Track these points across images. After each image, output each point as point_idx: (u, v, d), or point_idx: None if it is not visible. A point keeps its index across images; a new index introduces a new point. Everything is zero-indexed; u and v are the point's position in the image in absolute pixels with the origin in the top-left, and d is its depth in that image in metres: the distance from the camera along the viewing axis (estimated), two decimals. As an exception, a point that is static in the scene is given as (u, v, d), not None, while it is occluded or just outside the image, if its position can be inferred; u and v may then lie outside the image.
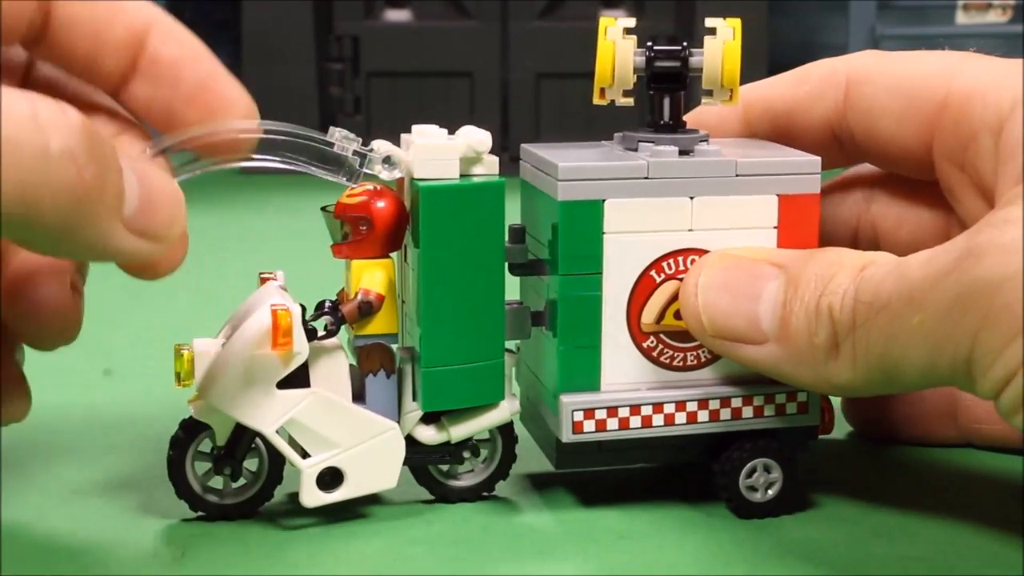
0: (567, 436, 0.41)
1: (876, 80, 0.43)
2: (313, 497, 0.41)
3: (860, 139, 0.44)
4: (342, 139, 0.40)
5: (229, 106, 0.40)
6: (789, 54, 1.25)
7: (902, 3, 1.16)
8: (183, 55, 0.40)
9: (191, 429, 0.41)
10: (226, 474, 0.41)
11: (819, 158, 0.42)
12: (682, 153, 0.41)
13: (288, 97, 1.18)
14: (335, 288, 0.43)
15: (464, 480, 0.43)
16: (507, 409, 0.42)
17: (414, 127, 0.42)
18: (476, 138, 0.41)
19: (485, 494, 0.43)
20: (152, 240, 0.36)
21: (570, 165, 0.40)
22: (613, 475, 0.44)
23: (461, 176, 0.40)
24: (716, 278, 0.40)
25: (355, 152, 0.40)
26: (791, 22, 1.23)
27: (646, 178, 0.40)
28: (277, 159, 0.40)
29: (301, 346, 0.40)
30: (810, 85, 0.44)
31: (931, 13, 1.17)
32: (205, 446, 0.42)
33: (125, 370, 0.47)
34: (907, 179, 0.45)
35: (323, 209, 0.42)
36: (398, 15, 1.21)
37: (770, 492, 0.42)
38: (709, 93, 0.42)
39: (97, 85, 0.41)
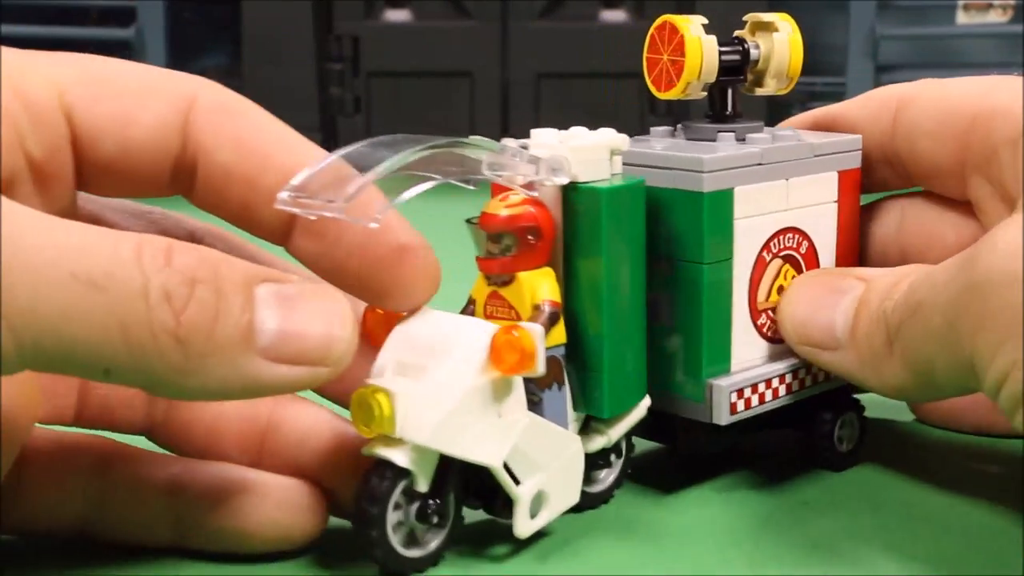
0: (726, 419, 0.42)
1: (918, 102, 0.45)
2: (527, 526, 0.38)
3: (905, 159, 0.46)
4: (514, 148, 0.39)
5: (401, 253, 0.37)
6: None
7: (902, 3, 1.18)
8: None
9: (391, 477, 0.36)
10: (433, 523, 0.37)
11: (860, 136, 0.45)
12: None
13: (288, 97, 1.18)
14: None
15: (598, 485, 0.42)
16: (644, 405, 0.42)
17: (532, 131, 0.40)
18: (614, 136, 0.40)
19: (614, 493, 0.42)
20: (306, 364, 0.34)
21: (713, 157, 0.41)
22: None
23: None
24: (800, 292, 0.43)
25: (529, 160, 0.39)
26: (790, 22, 1.24)
27: (759, 164, 0.42)
28: (437, 175, 0.37)
29: (543, 366, 0.37)
30: (869, 109, 0.46)
31: (931, 13, 1.18)
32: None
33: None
34: (933, 207, 0.46)
35: (468, 221, 0.40)
36: (398, 15, 1.22)
37: (852, 443, 0.46)
38: (761, 84, 0.45)
39: (261, 236, 0.38)
